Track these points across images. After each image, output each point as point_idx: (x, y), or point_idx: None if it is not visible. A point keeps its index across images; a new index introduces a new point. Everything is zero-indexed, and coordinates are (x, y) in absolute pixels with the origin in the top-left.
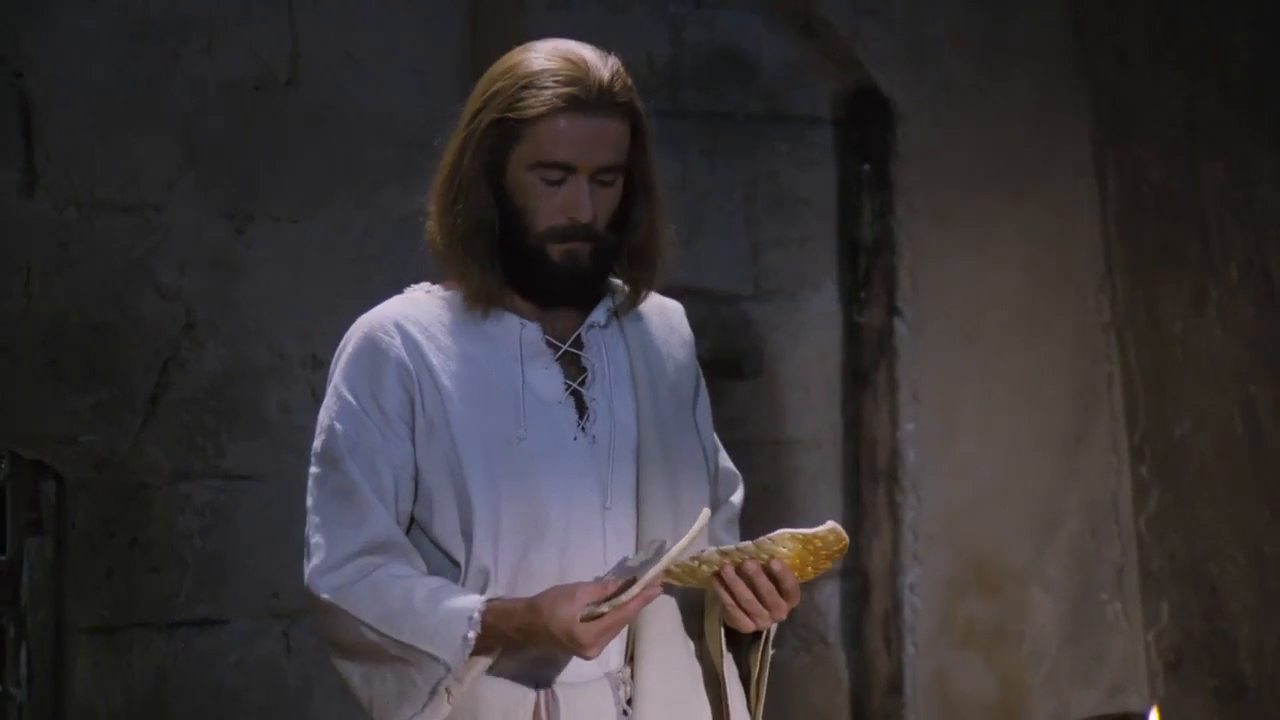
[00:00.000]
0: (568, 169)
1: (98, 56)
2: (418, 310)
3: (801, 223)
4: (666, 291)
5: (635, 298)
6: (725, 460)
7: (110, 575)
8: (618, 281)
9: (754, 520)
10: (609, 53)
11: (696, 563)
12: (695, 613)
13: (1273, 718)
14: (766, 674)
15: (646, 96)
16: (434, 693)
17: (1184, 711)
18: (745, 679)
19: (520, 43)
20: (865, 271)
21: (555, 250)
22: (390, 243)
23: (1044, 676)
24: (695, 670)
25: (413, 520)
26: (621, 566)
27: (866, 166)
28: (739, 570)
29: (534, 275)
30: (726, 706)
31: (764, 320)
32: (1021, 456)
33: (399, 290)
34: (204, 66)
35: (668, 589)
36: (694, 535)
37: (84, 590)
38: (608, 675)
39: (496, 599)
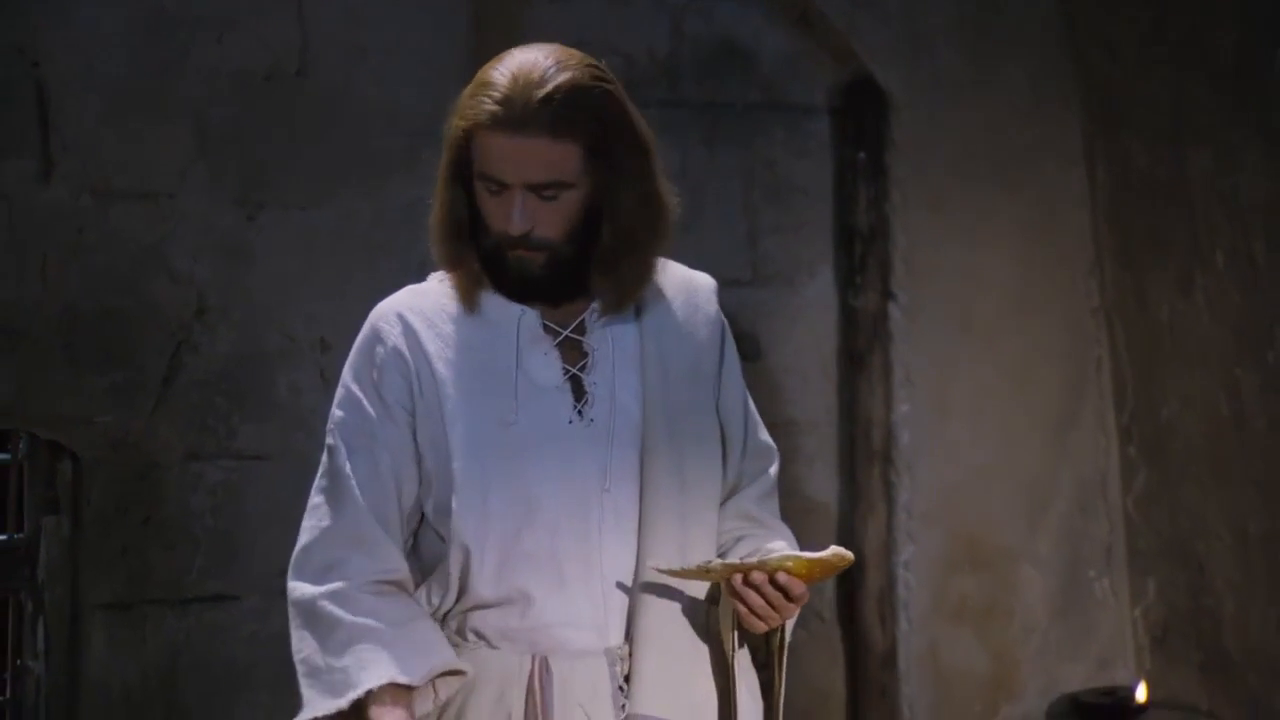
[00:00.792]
0: (500, 183)
1: (112, 48)
2: (424, 300)
3: (798, 210)
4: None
5: (613, 305)
6: (762, 434)
7: (125, 552)
8: None
9: None
10: (598, 61)
11: (705, 574)
12: (700, 601)
13: (1256, 691)
14: (784, 678)
15: (647, 87)
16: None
17: (1170, 685)
18: (766, 687)
19: (523, 35)
20: (860, 258)
21: (508, 255)
22: (396, 229)
23: (1034, 651)
24: (696, 654)
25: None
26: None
27: (862, 155)
28: (747, 580)
29: (495, 275)
30: (734, 700)
31: (761, 305)
32: (1012, 438)
33: (405, 274)
34: (216, 58)
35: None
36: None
37: (99, 567)
38: (606, 650)
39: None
